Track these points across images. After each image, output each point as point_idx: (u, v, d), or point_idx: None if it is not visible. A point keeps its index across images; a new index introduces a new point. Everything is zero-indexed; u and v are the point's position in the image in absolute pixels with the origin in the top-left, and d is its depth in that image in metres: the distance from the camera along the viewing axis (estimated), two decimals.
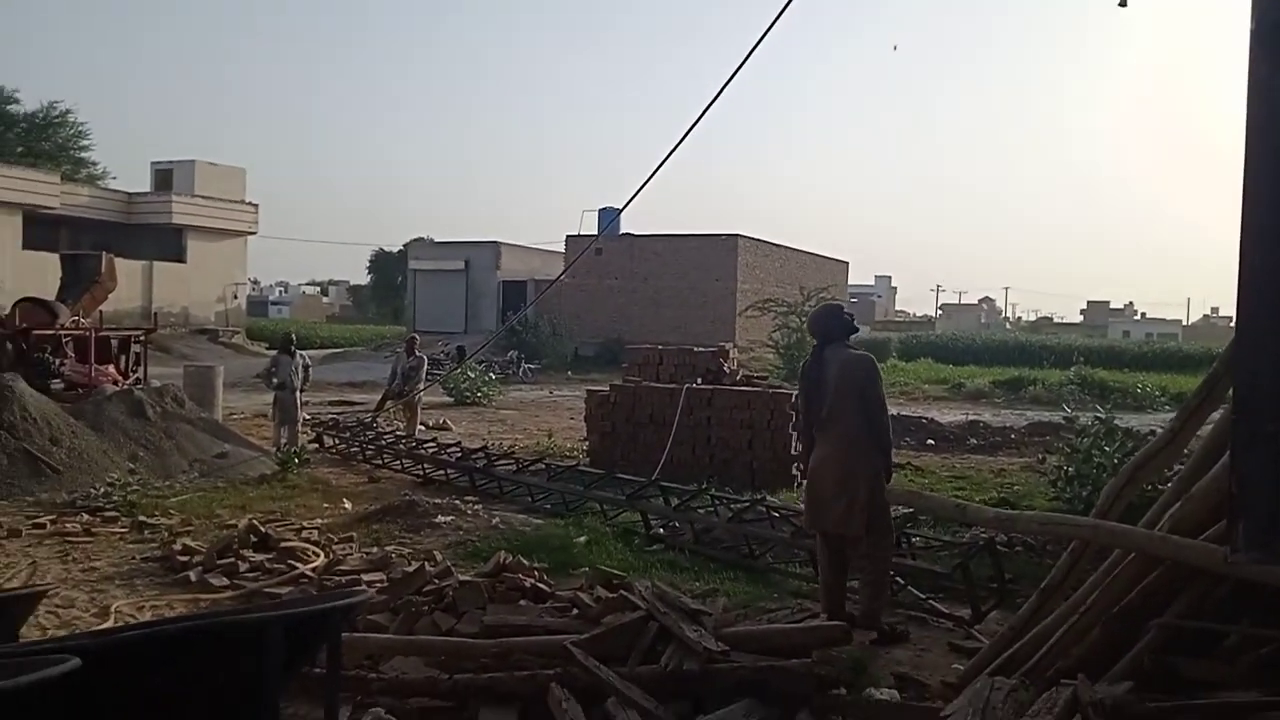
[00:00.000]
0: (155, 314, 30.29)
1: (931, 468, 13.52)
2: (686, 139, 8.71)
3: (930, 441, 16.21)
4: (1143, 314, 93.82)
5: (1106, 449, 9.89)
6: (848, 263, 46.36)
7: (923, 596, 6.24)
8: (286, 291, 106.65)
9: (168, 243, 38.50)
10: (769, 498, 8.63)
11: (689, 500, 8.27)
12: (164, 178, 40.00)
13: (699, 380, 12.25)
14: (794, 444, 10.79)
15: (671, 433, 11.56)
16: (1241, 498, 2.40)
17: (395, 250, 59.27)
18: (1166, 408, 22.16)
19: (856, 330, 6.15)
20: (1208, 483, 3.58)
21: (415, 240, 52.77)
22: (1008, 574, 6.16)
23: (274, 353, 14.73)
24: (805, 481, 6.11)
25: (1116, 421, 13.74)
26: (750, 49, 7.83)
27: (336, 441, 13.74)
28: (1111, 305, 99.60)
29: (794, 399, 10.47)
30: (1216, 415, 4.09)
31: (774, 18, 7.47)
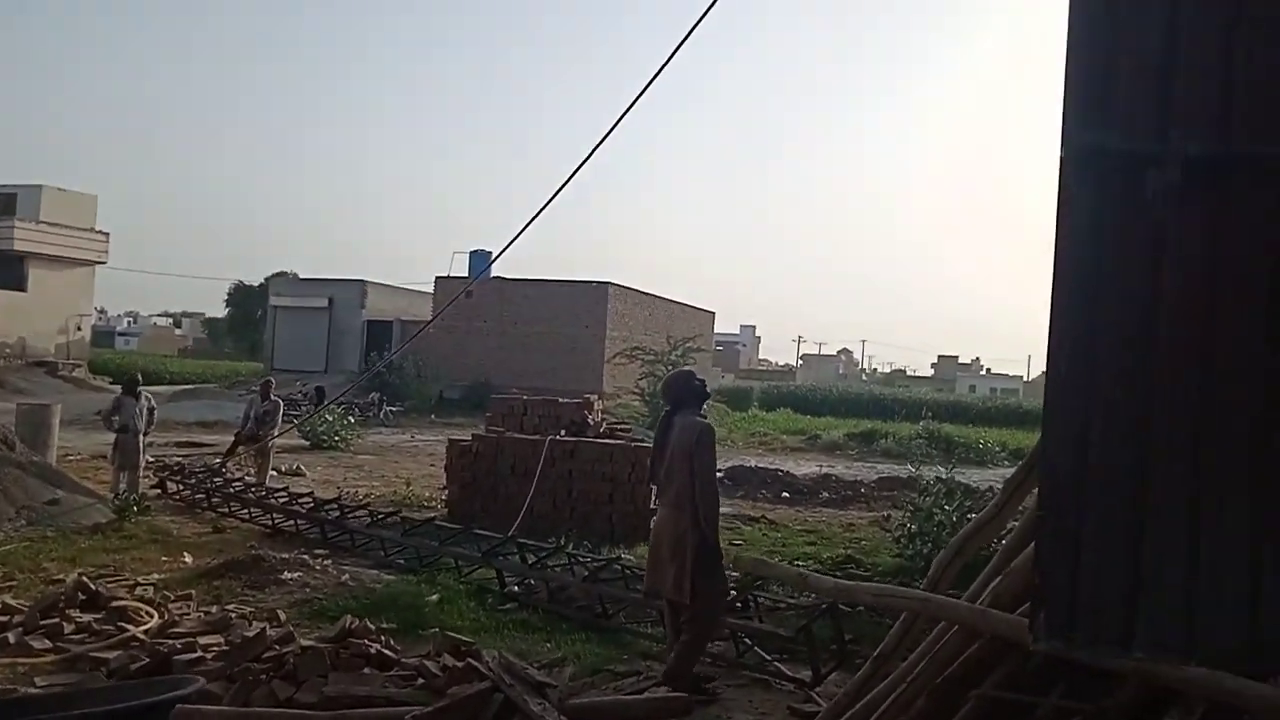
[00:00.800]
0: None
1: (785, 521, 13.85)
2: (564, 189, 8.80)
3: (785, 494, 16.63)
4: (988, 369, 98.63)
5: (946, 508, 10.38)
6: (714, 313, 47.30)
7: (768, 658, 6.38)
8: (135, 322, 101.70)
9: (7, 271, 36.28)
10: (625, 555, 8.70)
11: (545, 558, 8.25)
12: (6, 202, 37.72)
13: (563, 432, 12.26)
14: (653, 499, 10.91)
15: (533, 485, 11.51)
16: (1043, 588, 2.58)
17: (256, 284, 57.38)
18: (1006, 463, 23.34)
19: (708, 396, 6.32)
20: (1022, 561, 3.81)
21: (277, 275, 51.21)
22: (850, 635, 6.37)
23: (117, 390, 14.01)
24: (650, 543, 6.20)
25: (959, 476, 14.44)
26: (629, 104, 7.95)
27: (181, 488, 13.14)
28: (960, 360, 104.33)
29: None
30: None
31: (653, 74, 7.68)
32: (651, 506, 10.85)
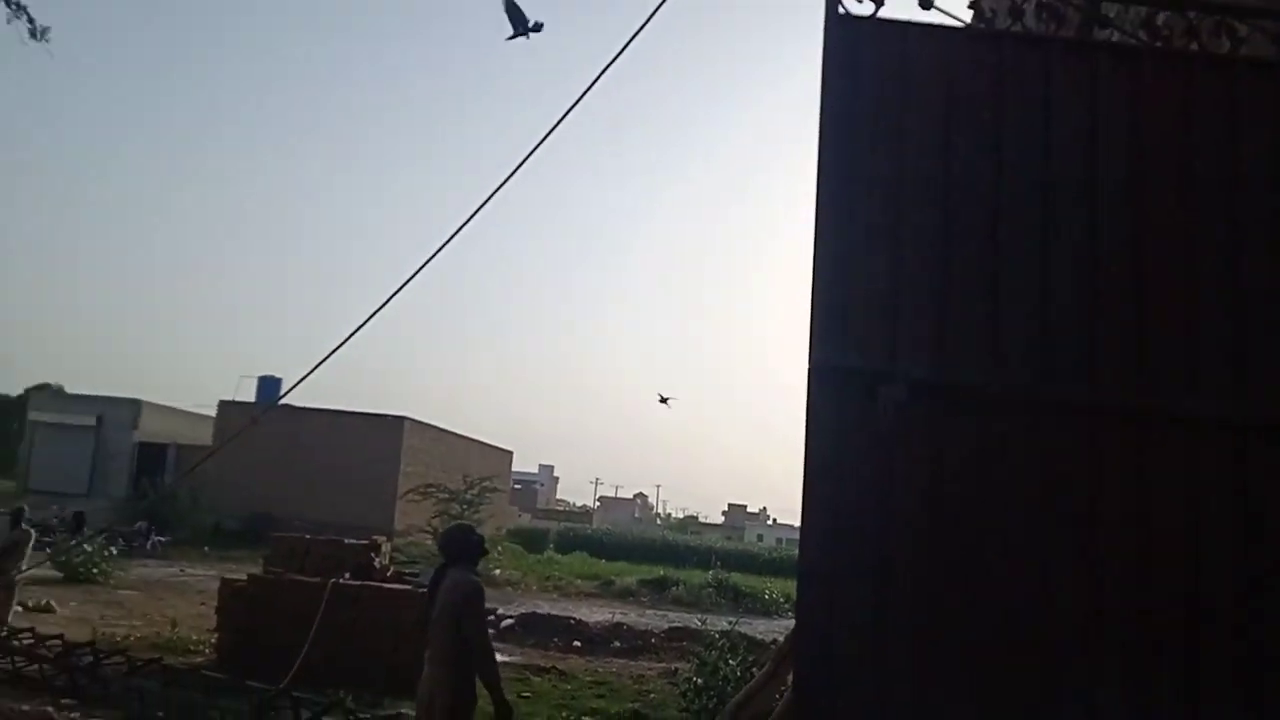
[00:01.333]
0: None
1: (576, 672, 13.76)
2: (366, 325, 8.80)
3: (577, 643, 16.55)
4: (774, 519, 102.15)
5: (731, 662, 10.67)
6: (512, 452, 47.20)
7: None
8: None
9: None
10: (407, 710, 8.42)
11: (321, 713, 7.90)
12: None
13: (347, 575, 11.85)
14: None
15: (312, 632, 10.99)
16: None
17: (14, 396, 52.81)
18: (789, 613, 24.19)
19: (484, 554, 6.29)
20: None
21: (39, 387, 47.47)
22: None
23: None
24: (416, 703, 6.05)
25: (745, 627, 14.89)
26: (437, 249, 8.17)
27: None
28: (749, 509, 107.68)
29: None
30: None
31: (464, 221, 7.94)
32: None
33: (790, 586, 29.94)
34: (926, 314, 3.03)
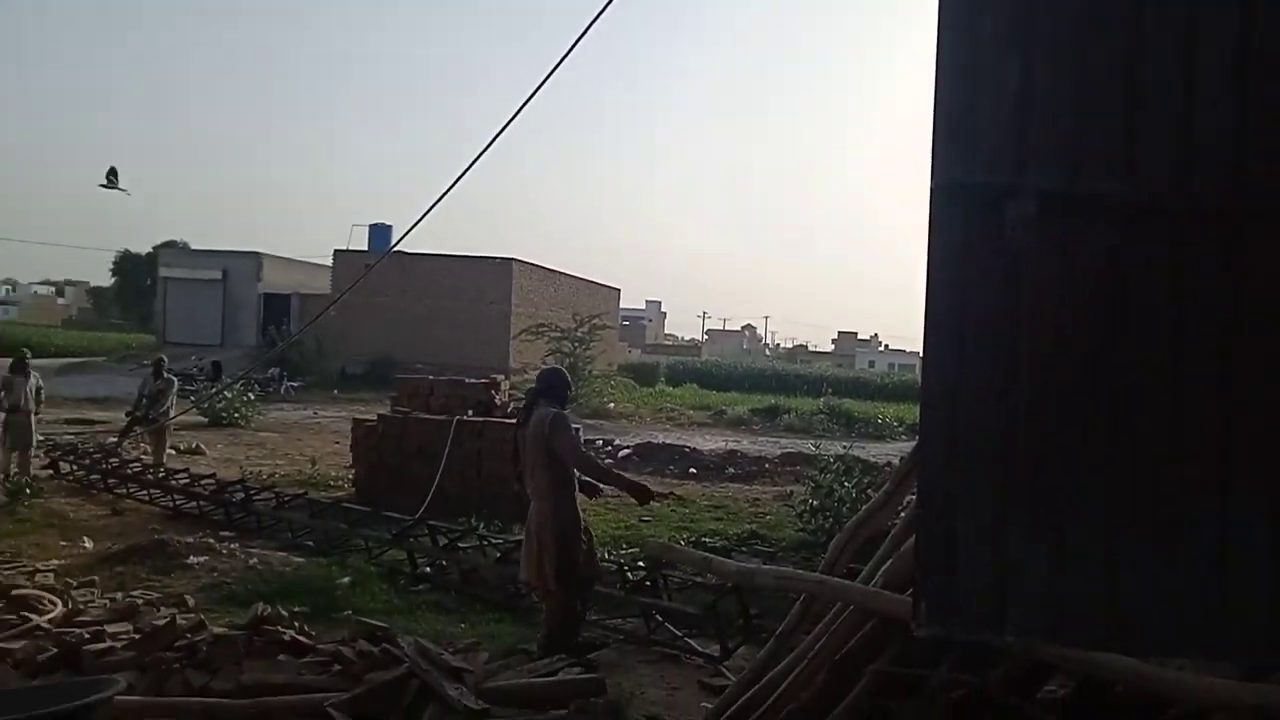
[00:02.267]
0: None
1: (693, 497, 14.17)
2: (472, 167, 8.81)
3: (692, 470, 16.98)
4: (886, 345, 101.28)
5: (846, 484, 10.83)
6: (619, 289, 47.55)
7: (678, 635, 6.65)
8: (15, 291, 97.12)
9: None
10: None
11: (456, 539, 8.36)
12: None
13: (470, 412, 12.32)
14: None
15: (441, 465, 11.56)
16: (923, 581, 2.85)
17: (144, 253, 55.30)
18: (903, 437, 24.26)
19: (571, 398, 6.49)
20: (910, 547, 4.12)
21: (167, 245, 49.51)
22: (756, 611, 6.67)
23: (4, 368, 13.50)
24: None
25: (859, 451, 15.01)
26: (539, 83, 8.03)
27: (75, 468, 12.80)
28: (859, 336, 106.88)
29: None
30: None
31: (562, 55, 7.77)
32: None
33: (904, 411, 29.94)
34: (1059, 121, 2.83)
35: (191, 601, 7.06)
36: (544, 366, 7.74)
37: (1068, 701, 4.27)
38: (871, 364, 75.40)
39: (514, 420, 12.22)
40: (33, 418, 12.39)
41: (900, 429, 25.87)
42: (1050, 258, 2.85)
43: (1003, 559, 2.82)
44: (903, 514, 5.02)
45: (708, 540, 10.30)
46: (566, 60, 7.71)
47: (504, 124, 8.35)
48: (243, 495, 10.54)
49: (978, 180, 2.84)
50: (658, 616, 6.78)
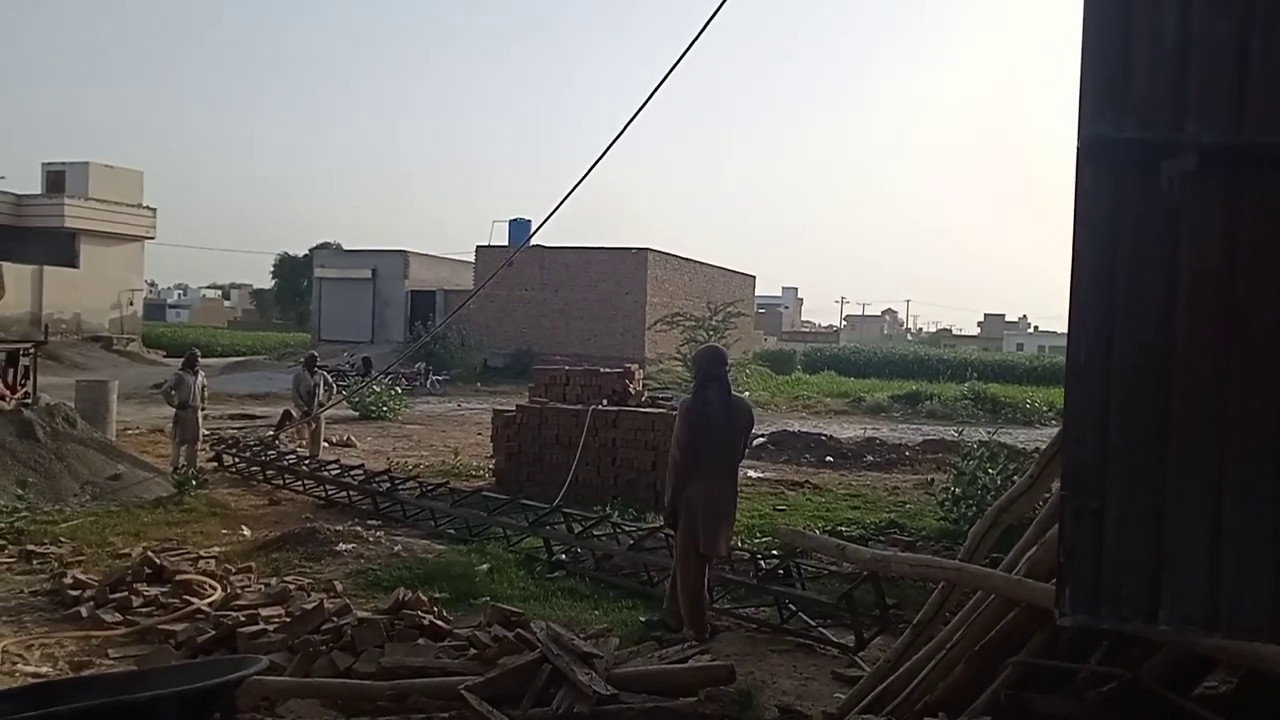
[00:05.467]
0: (46, 323, 29.12)
1: (829, 485, 13.92)
2: (603, 158, 8.86)
3: (829, 459, 16.68)
4: (1035, 327, 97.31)
5: (990, 471, 10.39)
6: (754, 276, 47.13)
7: (812, 624, 6.52)
8: (185, 295, 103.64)
9: (60, 247, 37.11)
10: None
11: (591, 527, 8.43)
12: (55, 179, 38.55)
13: (605, 401, 12.42)
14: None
15: (577, 454, 11.71)
16: (1068, 566, 2.66)
17: (301, 255, 58.09)
18: (1053, 422, 23.19)
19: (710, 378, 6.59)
20: (1055, 533, 3.89)
21: (321, 246, 51.82)
22: (892, 600, 6.47)
23: (173, 365, 14.35)
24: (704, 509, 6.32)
25: (1005, 437, 14.43)
26: (666, 73, 8.01)
27: (237, 461, 13.52)
28: (1007, 318, 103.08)
29: None
30: None
31: (688, 44, 7.73)
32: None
33: (1054, 395, 28.66)
34: (1222, 68, 2.57)
35: (339, 587, 7.33)
36: (703, 345, 7.91)
37: (1231, 698, 3.96)
38: (1020, 347, 72.49)
39: (649, 410, 12.33)
40: (199, 413, 13.14)
41: (1050, 414, 24.78)
42: (1212, 216, 2.60)
43: (1156, 543, 2.61)
44: (1048, 500, 4.77)
45: (844, 529, 10.09)
46: (693, 50, 7.70)
47: (630, 117, 8.37)
48: (389, 485, 10.90)
49: (1130, 135, 2.62)
50: (790, 605, 6.66)
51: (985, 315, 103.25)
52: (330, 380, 15.53)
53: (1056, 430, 6.42)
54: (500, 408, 13.68)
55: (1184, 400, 2.58)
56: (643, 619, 6.75)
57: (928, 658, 4.42)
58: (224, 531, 9.58)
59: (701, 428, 6.29)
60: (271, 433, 15.10)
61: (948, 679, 4.23)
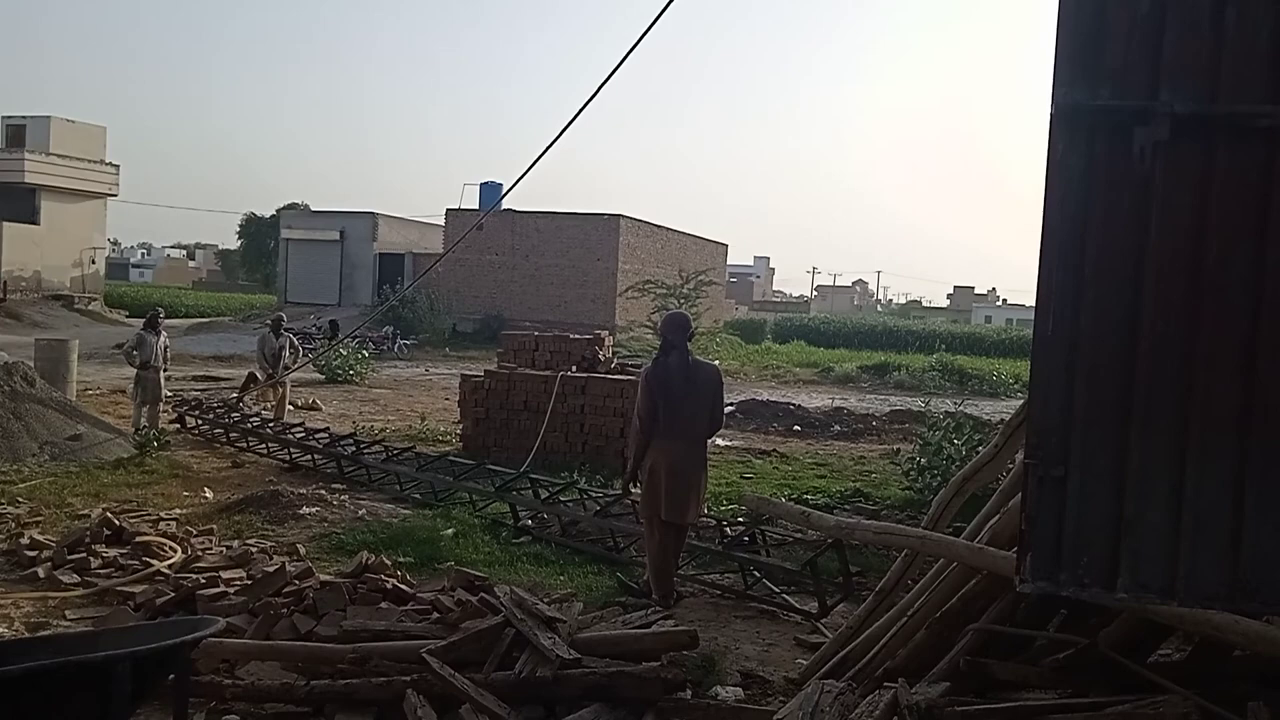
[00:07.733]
0: (5, 280, 28.58)
1: (796, 454, 13.98)
2: (574, 121, 8.75)
3: (796, 427, 16.75)
4: (1004, 300, 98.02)
5: (956, 441, 10.47)
6: (727, 245, 47.05)
7: (776, 591, 6.55)
8: (149, 254, 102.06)
9: (20, 203, 36.35)
10: (634, 490, 8.83)
11: (558, 493, 8.41)
12: (16, 133, 37.70)
13: (574, 368, 12.37)
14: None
15: (545, 420, 11.67)
16: (1029, 533, 2.67)
17: (268, 216, 57.23)
18: (1019, 394, 23.42)
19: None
20: (1018, 502, 3.91)
21: (288, 207, 51.07)
22: (855, 568, 6.52)
23: (135, 325, 14.13)
24: (667, 476, 6.31)
25: (972, 408, 14.55)
26: (639, 37, 7.91)
27: (200, 423, 13.36)
28: (976, 290, 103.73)
29: None
30: None
31: (660, 10, 7.62)
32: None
33: (1021, 367, 28.93)
34: (1197, 36, 2.55)
35: (302, 550, 7.27)
36: (668, 312, 7.83)
37: (1184, 665, 4.02)
38: (988, 319, 73.04)
39: (618, 376, 12.30)
40: (161, 374, 12.95)
41: (1016, 386, 25.02)
42: (1183, 185, 2.60)
43: (1117, 511, 2.62)
44: (1011, 470, 4.80)
45: (809, 497, 10.13)
46: (665, 16, 7.58)
47: (604, 79, 8.26)
48: (354, 449, 10.81)
49: (1103, 103, 2.60)
50: (755, 572, 6.69)
51: (955, 288, 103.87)
52: (296, 343, 15.35)
53: (1022, 401, 6.49)
54: (468, 373, 13.59)
55: (1149, 369, 2.58)
56: (619, 575, 6.85)
57: (889, 624, 4.45)
58: (185, 494, 9.47)
59: (662, 395, 6.27)
60: (236, 395, 14.92)
61: (908, 645, 4.27)
